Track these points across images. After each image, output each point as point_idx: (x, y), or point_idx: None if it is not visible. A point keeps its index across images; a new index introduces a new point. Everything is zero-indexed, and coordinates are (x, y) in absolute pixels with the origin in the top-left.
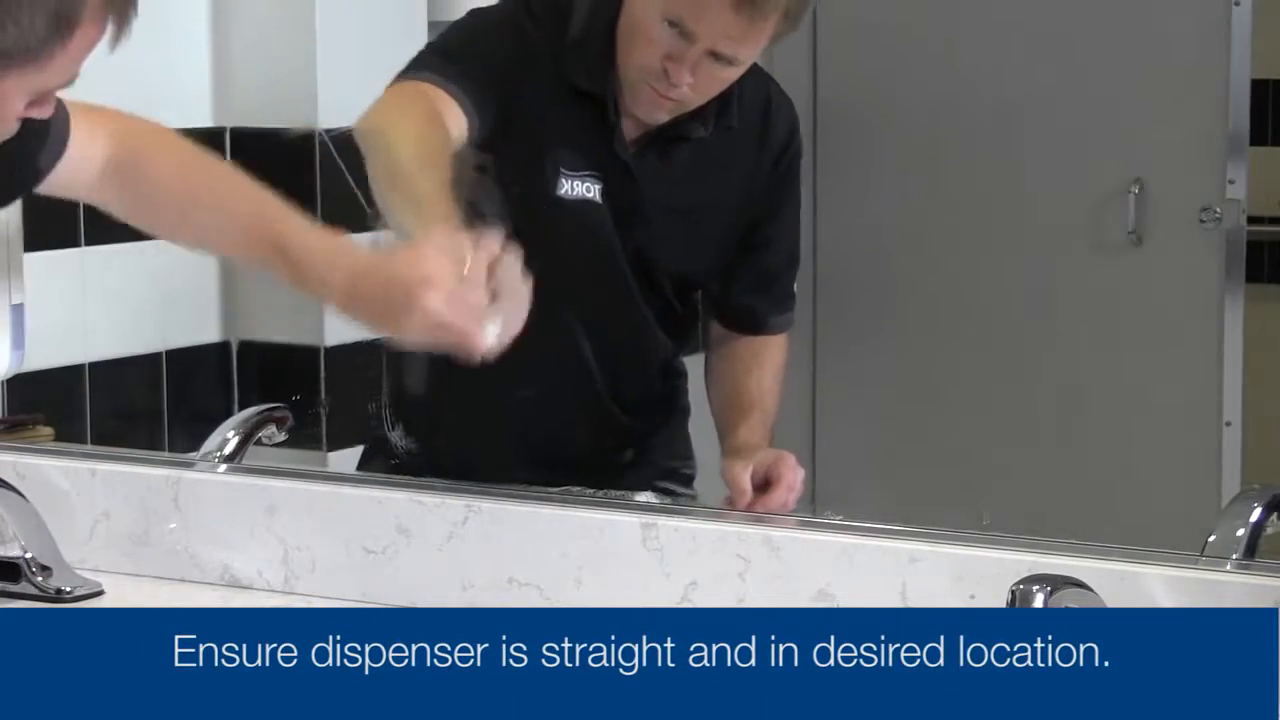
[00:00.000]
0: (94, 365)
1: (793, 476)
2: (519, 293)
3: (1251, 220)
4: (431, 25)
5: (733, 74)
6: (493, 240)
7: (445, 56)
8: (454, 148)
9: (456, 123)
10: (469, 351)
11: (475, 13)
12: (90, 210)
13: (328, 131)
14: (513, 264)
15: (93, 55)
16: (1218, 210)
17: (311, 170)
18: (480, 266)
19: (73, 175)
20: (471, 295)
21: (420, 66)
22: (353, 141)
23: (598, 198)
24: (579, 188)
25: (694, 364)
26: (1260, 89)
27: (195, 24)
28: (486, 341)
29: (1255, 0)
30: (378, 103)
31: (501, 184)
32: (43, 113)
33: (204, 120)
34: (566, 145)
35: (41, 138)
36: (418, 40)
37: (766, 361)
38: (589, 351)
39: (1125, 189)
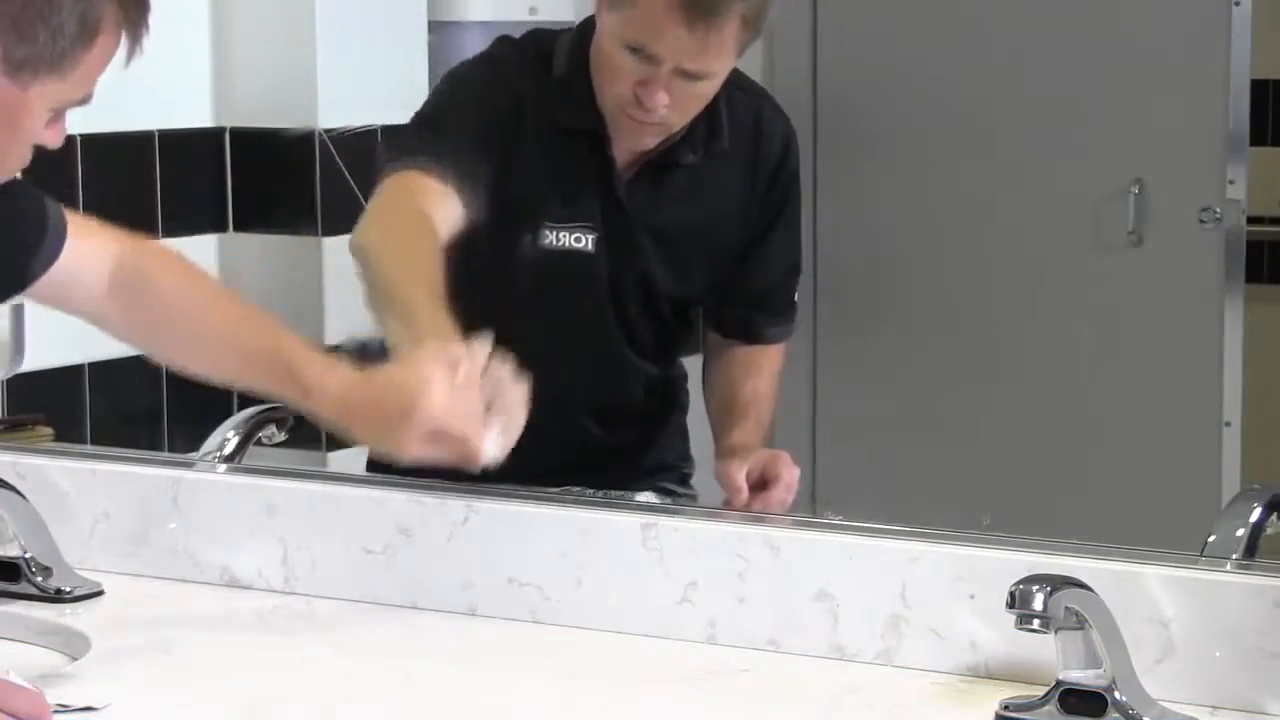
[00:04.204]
0: (94, 365)
1: (790, 475)
2: (514, 398)
3: (1251, 220)
4: (432, 25)
5: (708, 88)
6: (482, 349)
7: (432, 131)
8: (444, 242)
9: (447, 212)
10: (470, 459)
11: (459, 75)
12: (91, 209)
13: (328, 131)
14: (503, 370)
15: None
16: (1218, 210)
17: (311, 170)
18: (474, 373)
19: (78, 287)
20: (468, 402)
21: (407, 150)
22: (352, 141)
23: (589, 246)
24: (566, 238)
25: (692, 365)
26: (1260, 89)
27: (195, 24)
28: (488, 449)
29: (1255, 0)
30: (368, 210)
31: (492, 231)
32: (56, 139)
33: (204, 120)
34: (557, 193)
35: (38, 236)
36: (418, 40)
37: (764, 368)
38: (564, 377)
39: (1125, 189)
